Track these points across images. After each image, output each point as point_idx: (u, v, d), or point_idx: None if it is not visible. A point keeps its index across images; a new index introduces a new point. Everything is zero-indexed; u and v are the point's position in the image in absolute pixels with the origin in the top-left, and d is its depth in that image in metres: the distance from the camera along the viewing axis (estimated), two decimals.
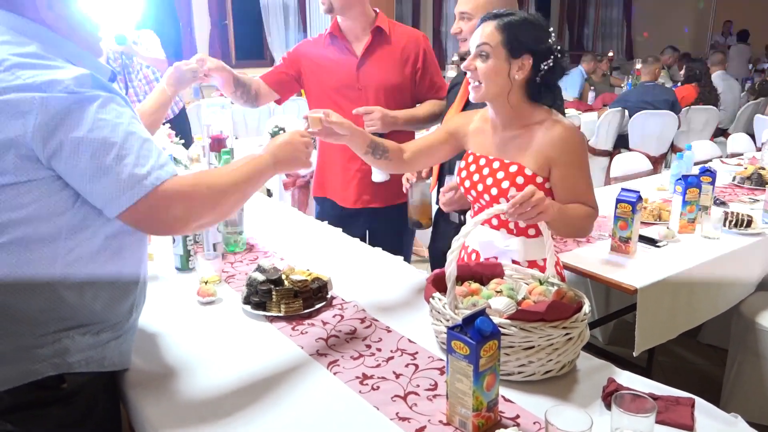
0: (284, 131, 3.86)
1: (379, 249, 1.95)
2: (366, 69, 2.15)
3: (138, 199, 1.02)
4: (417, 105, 2.23)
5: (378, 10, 2.21)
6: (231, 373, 1.23)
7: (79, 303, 1.10)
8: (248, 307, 1.48)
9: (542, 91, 1.45)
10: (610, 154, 5.08)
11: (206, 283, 1.57)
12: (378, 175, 2.04)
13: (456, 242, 1.20)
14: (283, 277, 1.52)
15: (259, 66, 1.89)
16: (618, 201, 2.01)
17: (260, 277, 1.49)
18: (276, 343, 1.35)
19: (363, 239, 2.44)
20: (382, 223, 2.28)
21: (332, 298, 1.56)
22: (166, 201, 1.06)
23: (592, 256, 2.06)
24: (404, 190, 1.99)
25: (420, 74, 2.20)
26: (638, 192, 1.99)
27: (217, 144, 1.93)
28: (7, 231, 1.01)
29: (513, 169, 1.46)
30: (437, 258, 2.08)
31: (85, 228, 1.07)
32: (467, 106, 1.86)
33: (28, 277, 1.03)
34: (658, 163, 4.84)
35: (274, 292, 1.46)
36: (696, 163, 2.90)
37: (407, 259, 2.22)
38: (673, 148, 5.04)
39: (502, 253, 1.53)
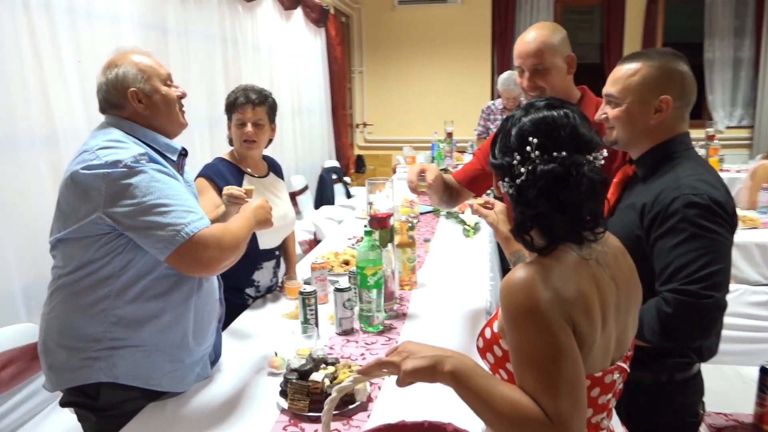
0: None
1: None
2: None
3: (180, 244, 1.34)
4: None
5: (585, 89, 1.91)
6: None
7: (129, 329, 1.42)
8: (278, 392, 1.49)
9: (524, 219, 1.00)
10: None
11: (276, 354, 1.64)
12: None
13: (334, 392, 0.97)
14: (318, 372, 1.46)
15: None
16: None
17: (294, 364, 1.48)
18: None
19: None
20: None
21: (353, 410, 1.41)
22: (203, 245, 1.37)
23: None
24: None
25: None
26: None
27: (378, 222, 1.94)
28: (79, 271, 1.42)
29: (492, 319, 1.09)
30: None
31: (130, 269, 1.41)
32: None
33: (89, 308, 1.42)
34: None
35: (289, 384, 1.43)
36: None
37: None
38: None
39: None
